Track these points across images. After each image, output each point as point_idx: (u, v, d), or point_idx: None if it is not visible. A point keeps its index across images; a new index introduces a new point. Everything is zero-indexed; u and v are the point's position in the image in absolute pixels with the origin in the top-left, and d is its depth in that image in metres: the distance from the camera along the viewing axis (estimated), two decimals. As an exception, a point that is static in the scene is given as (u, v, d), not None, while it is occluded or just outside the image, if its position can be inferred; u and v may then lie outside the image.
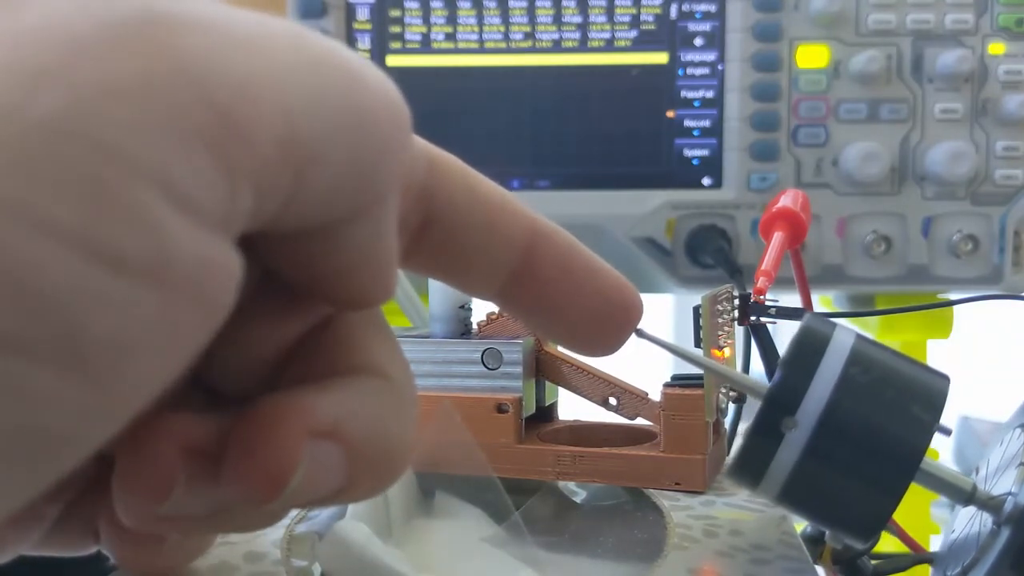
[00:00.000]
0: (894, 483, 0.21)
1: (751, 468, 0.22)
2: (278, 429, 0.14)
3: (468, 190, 0.18)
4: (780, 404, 0.21)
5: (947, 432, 0.23)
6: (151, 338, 0.11)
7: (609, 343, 0.20)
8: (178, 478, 0.15)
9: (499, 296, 0.19)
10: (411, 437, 0.17)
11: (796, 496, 0.22)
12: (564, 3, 0.50)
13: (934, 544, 0.45)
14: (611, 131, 0.51)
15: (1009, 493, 0.22)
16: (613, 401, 0.31)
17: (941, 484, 0.22)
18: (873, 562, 0.29)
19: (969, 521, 0.25)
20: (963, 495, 0.22)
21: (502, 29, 0.51)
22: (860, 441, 0.21)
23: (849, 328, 0.22)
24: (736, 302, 0.32)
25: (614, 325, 0.20)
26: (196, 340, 0.12)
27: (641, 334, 0.22)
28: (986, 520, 0.23)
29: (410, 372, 0.18)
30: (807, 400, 0.21)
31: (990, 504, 0.22)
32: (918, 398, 0.21)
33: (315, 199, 0.14)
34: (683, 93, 0.50)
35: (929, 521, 0.47)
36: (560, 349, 0.32)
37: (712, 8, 0.50)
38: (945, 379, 0.22)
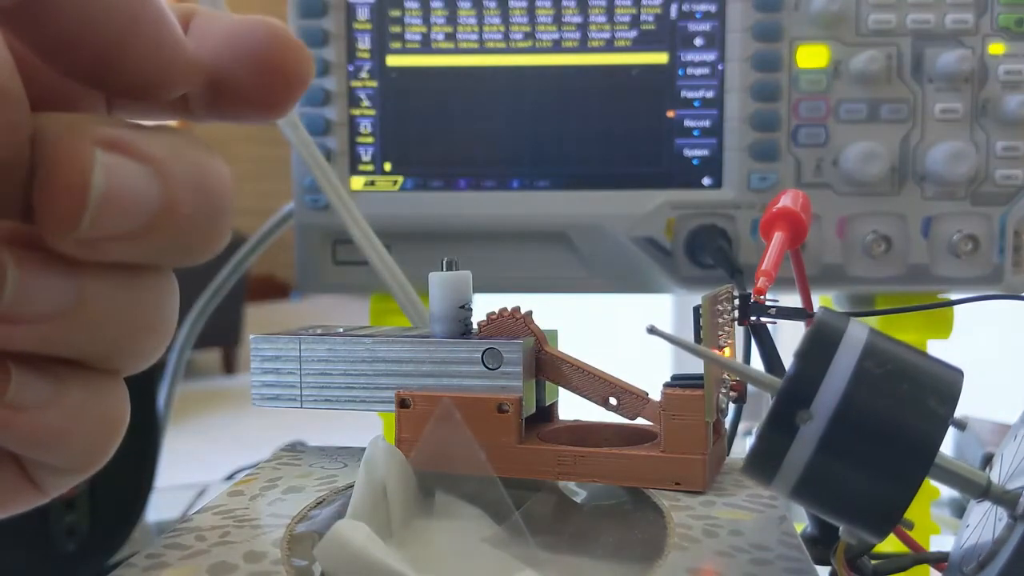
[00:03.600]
0: (909, 476, 0.21)
1: (765, 463, 0.22)
2: (65, 145, 0.15)
3: None
4: (795, 397, 0.21)
5: (961, 426, 0.23)
6: None
7: (267, 79, 0.19)
8: (4, 268, 0.15)
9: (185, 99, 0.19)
10: (224, 170, 0.17)
11: (810, 490, 0.22)
12: (564, 3, 0.50)
13: (934, 544, 0.45)
14: (611, 131, 0.51)
15: None
16: (613, 401, 0.31)
17: (955, 478, 0.22)
18: (873, 562, 0.29)
19: (983, 518, 0.25)
20: (978, 489, 0.22)
21: (502, 29, 0.51)
22: (875, 434, 0.21)
23: (863, 323, 0.22)
24: (736, 302, 0.32)
25: (258, 54, 0.19)
26: None
27: (653, 331, 0.22)
28: (1001, 516, 0.23)
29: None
30: (822, 393, 0.21)
31: (1006, 498, 0.22)
32: (933, 391, 0.21)
33: None
34: (683, 93, 0.50)
35: (929, 521, 0.47)
36: (560, 349, 0.32)
37: (712, 8, 0.50)
38: (959, 373, 0.22)
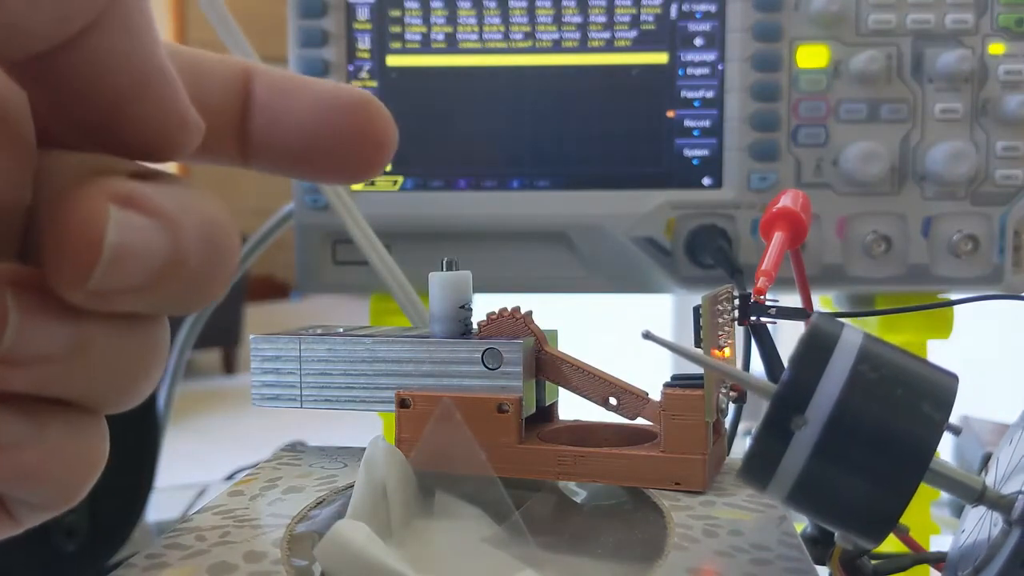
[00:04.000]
0: (904, 482, 0.21)
1: (760, 468, 0.22)
2: (79, 199, 0.15)
3: (170, 50, 0.19)
4: (789, 402, 0.21)
5: (956, 431, 0.23)
6: None
7: (361, 149, 0.20)
8: (7, 311, 0.15)
9: (238, 143, 0.20)
10: (230, 223, 0.17)
11: (806, 495, 0.22)
12: (564, 3, 0.50)
13: (934, 544, 0.45)
14: (611, 131, 0.51)
15: (1020, 492, 0.22)
16: (613, 401, 0.31)
17: (951, 483, 0.22)
18: (873, 562, 0.29)
19: (979, 521, 0.25)
20: (973, 494, 0.22)
21: (502, 29, 0.51)
22: (870, 439, 0.21)
23: (857, 327, 0.22)
24: (736, 302, 0.32)
25: (352, 125, 0.20)
26: None
27: (649, 336, 0.22)
28: (996, 520, 0.23)
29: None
30: (816, 398, 0.21)
31: (1001, 503, 0.22)
32: (928, 396, 0.21)
33: (27, 2, 0.14)
34: (683, 93, 0.50)
35: (929, 521, 0.47)
36: (560, 349, 0.32)
37: (712, 8, 0.50)
38: (954, 377, 0.22)
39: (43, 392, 0.17)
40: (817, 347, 0.21)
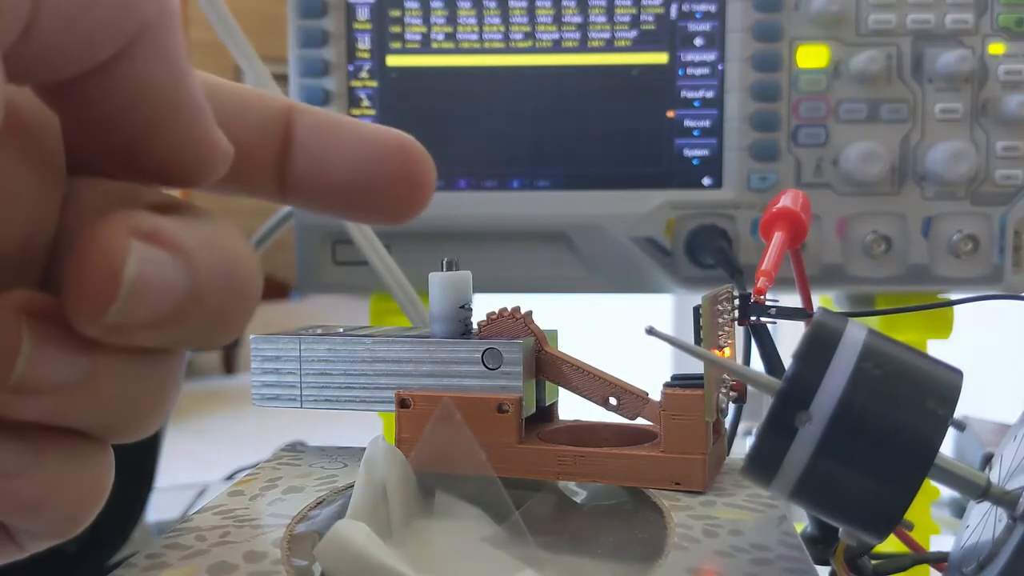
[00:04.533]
0: (908, 478, 0.21)
1: (764, 464, 0.22)
2: (100, 232, 0.15)
3: (212, 84, 0.19)
4: (793, 398, 0.21)
5: (961, 427, 0.23)
6: None
7: (401, 192, 0.20)
8: (20, 340, 0.15)
9: (277, 180, 0.20)
10: (253, 260, 0.17)
11: (809, 492, 0.22)
12: (564, 3, 0.50)
13: (934, 544, 0.45)
14: (611, 131, 0.51)
15: None
16: (613, 401, 0.31)
17: (955, 479, 0.22)
18: (873, 562, 0.29)
19: (983, 518, 0.25)
20: (977, 490, 0.22)
21: (502, 29, 0.51)
22: (874, 435, 0.21)
23: (861, 323, 0.22)
24: (736, 302, 0.32)
25: (393, 169, 0.20)
26: None
27: (653, 332, 0.22)
28: (1000, 516, 0.23)
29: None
30: (820, 394, 0.21)
31: (1005, 499, 0.22)
32: (932, 392, 0.21)
33: (59, 26, 0.14)
34: (683, 93, 0.50)
35: (929, 521, 0.47)
36: (560, 349, 0.32)
37: (712, 8, 0.50)
38: (958, 373, 0.22)
39: (52, 421, 0.16)
40: (821, 343, 0.21)
